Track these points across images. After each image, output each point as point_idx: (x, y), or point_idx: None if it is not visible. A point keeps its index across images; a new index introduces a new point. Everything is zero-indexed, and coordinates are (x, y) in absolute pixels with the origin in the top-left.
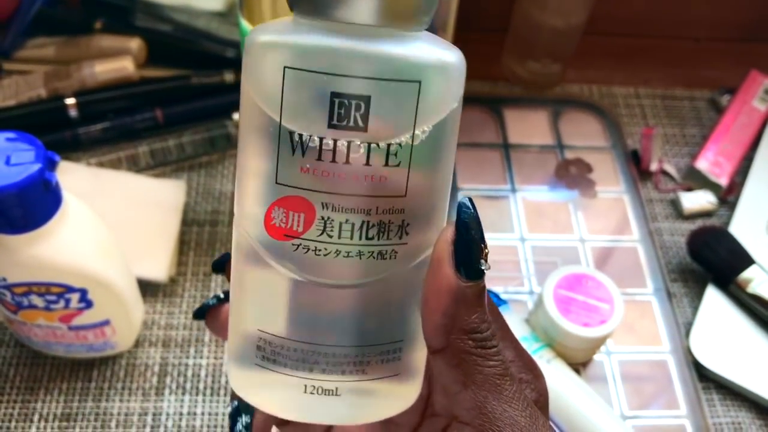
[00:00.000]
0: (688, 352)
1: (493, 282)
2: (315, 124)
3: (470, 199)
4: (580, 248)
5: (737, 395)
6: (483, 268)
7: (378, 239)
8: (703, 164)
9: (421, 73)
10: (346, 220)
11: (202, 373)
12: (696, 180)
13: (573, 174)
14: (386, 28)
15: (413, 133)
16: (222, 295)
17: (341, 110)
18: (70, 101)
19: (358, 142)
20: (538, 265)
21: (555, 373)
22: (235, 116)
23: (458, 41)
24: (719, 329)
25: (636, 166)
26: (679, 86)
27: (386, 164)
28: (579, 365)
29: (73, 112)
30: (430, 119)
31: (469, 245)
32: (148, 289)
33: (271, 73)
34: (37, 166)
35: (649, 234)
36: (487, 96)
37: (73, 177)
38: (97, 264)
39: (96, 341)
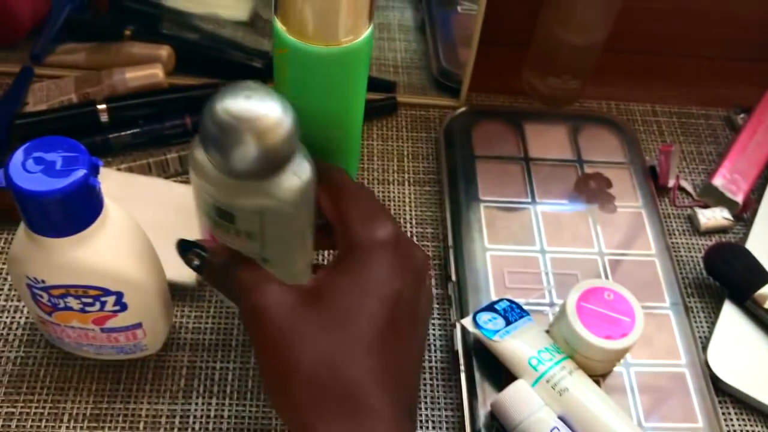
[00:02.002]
0: (706, 366)
1: (514, 293)
2: None
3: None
4: (599, 261)
5: (754, 410)
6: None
7: None
8: (719, 181)
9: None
10: None
11: (230, 377)
12: (712, 197)
13: (592, 188)
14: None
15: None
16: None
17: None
18: (101, 106)
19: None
20: (557, 277)
21: (577, 384)
22: None
23: (481, 55)
24: (736, 344)
25: (654, 182)
26: (695, 104)
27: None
28: (599, 377)
29: (104, 118)
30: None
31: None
32: (176, 292)
33: None
34: (82, 172)
35: (666, 248)
36: (508, 110)
37: (107, 182)
38: (134, 268)
39: (127, 343)
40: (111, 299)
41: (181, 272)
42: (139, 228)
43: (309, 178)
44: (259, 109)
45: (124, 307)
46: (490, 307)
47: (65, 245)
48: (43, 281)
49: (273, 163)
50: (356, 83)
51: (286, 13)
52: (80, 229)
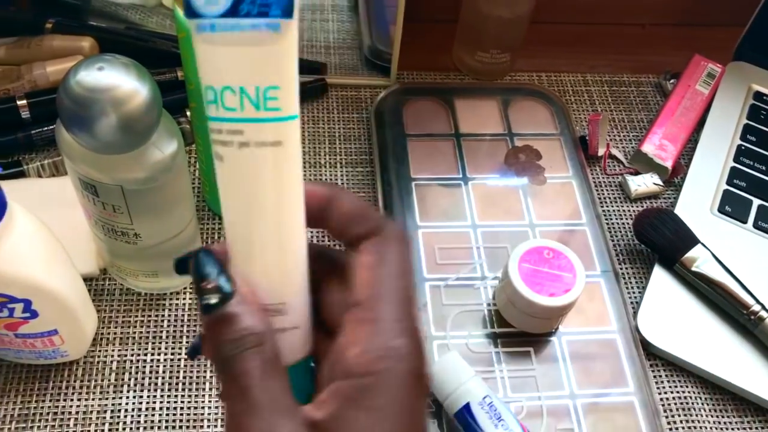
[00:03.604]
0: (636, 331)
1: (446, 269)
2: None
3: (200, 251)
4: (530, 233)
5: (684, 371)
6: (206, 302)
7: None
8: (649, 148)
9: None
10: None
11: (160, 369)
12: (642, 163)
13: (522, 161)
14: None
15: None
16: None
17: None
18: (22, 102)
19: None
20: (488, 251)
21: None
22: (189, 112)
23: (411, 33)
24: (665, 308)
25: (584, 152)
26: (626, 72)
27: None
28: (540, 337)
29: (25, 114)
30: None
31: (196, 291)
32: (105, 286)
33: None
34: None
35: (597, 217)
36: (438, 86)
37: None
38: (41, 275)
39: (45, 349)
40: (19, 306)
41: (83, 262)
42: (50, 234)
43: (172, 152)
44: (113, 80)
45: (34, 314)
46: None
47: None
48: None
49: (131, 134)
50: None
51: None
52: None
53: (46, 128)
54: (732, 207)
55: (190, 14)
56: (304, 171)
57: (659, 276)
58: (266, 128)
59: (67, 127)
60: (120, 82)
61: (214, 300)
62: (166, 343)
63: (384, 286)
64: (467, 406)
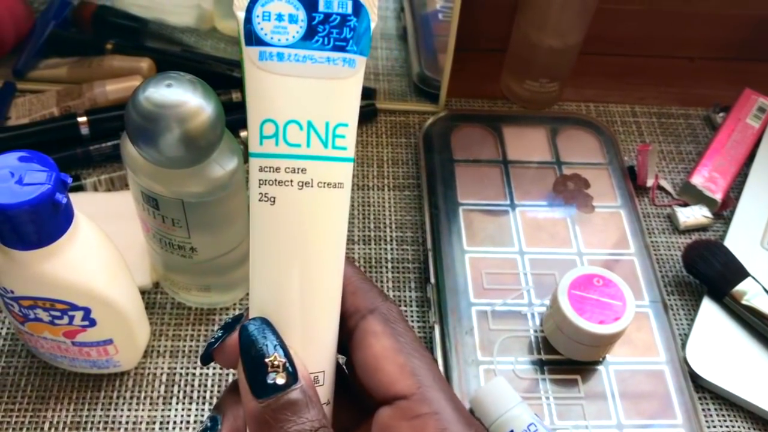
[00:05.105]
0: (685, 363)
1: (493, 294)
2: None
3: (257, 319)
4: (578, 261)
5: (733, 405)
6: (272, 381)
7: None
8: (698, 180)
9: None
10: None
11: (209, 383)
12: (691, 195)
13: (571, 189)
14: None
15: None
16: (221, 333)
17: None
18: (82, 119)
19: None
20: (536, 277)
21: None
22: (243, 134)
23: (460, 61)
24: (715, 340)
25: (632, 182)
26: (675, 104)
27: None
28: (588, 366)
29: (84, 130)
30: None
31: (252, 366)
32: (157, 300)
33: None
34: (47, 187)
35: (646, 247)
36: (486, 114)
37: (83, 201)
38: (102, 285)
39: (99, 358)
40: (79, 314)
41: (137, 275)
42: (112, 246)
43: (233, 168)
44: (180, 96)
45: (93, 323)
46: None
47: (32, 257)
48: (12, 291)
49: (195, 149)
50: None
51: None
52: (45, 244)
53: (103, 144)
54: None
55: (252, 41)
56: (353, 193)
57: (708, 308)
58: (333, 168)
59: (133, 141)
60: (187, 98)
61: (281, 381)
62: None
63: (422, 372)
64: None
